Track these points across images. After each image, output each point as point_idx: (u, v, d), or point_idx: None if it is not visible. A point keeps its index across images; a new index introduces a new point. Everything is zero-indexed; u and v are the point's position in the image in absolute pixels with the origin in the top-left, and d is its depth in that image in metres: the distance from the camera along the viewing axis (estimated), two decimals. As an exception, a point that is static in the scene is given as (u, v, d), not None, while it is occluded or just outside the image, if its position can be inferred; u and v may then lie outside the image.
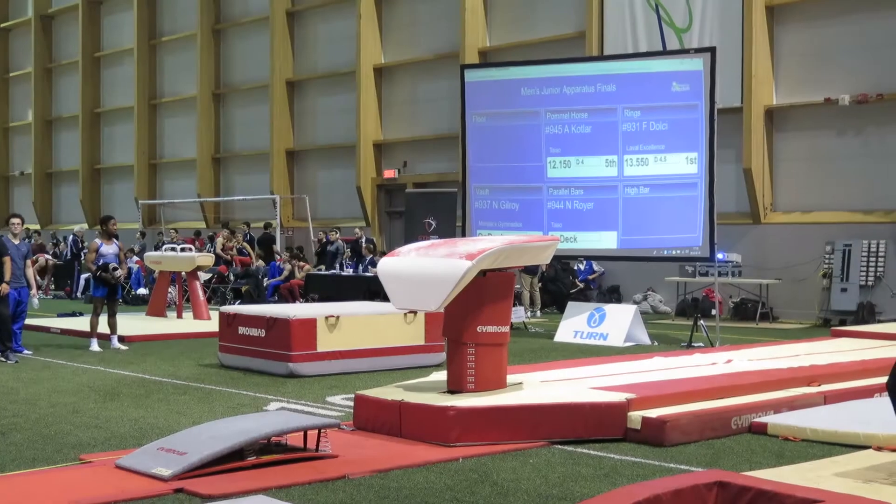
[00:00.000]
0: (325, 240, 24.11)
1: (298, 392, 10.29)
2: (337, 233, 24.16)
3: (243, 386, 10.73)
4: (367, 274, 20.14)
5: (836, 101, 19.05)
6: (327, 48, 28.87)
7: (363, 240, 22.91)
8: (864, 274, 18.06)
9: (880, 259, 18.02)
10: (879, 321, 17.22)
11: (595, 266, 21.53)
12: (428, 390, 8.34)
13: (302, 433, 7.24)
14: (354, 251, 23.10)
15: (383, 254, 20.86)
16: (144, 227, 31.94)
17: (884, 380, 7.15)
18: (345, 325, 11.76)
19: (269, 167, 29.71)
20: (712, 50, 15.56)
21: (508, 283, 8.54)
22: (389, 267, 8.50)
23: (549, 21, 23.45)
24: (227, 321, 12.34)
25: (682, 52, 18.08)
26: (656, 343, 15.09)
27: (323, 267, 23.01)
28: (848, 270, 18.24)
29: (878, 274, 17.97)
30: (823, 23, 19.50)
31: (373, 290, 18.20)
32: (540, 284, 20.83)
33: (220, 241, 24.87)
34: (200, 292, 18.68)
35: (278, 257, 23.65)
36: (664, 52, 19.38)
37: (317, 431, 7.26)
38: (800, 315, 19.07)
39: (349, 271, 21.77)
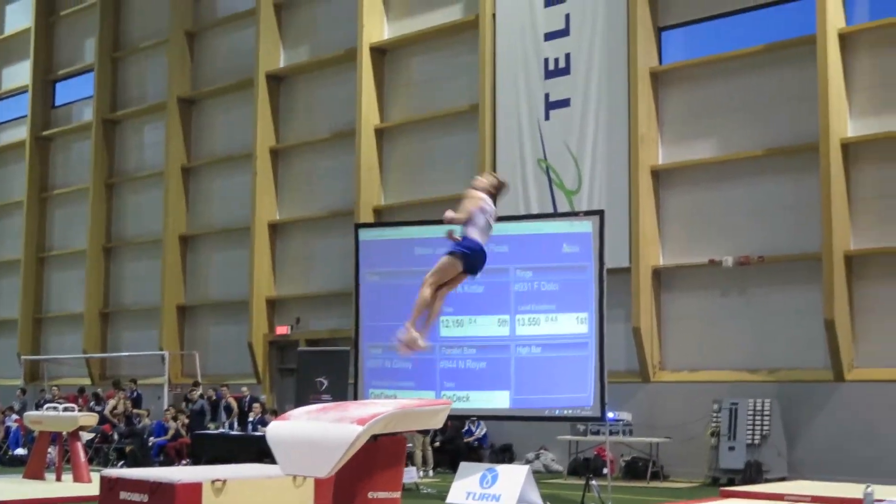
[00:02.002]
0: (215, 397, 23.61)
1: (182, 561, 9.90)
2: (197, 390, 23.52)
3: (123, 555, 10.29)
4: (257, 433, 19.72)
5: (719, 262, 19.66)
6: (222, 203, 28.92)
7: (247, 398, 22.50)
8: (750, 432, 18.32)
9: (766, 418, 18.34)
10: (766, 480, 17.43)
11: (481, 425, 21.40)
12: (316, 559, 8.11)
13: None
14: (241, 410, 22.62)
15: (274, 412, 20.59)
16: (26, 384, 30.95)
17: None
18: (232, 489, 11.44)
19: (160, 322, 29.26)
20: (601, 213, 16.01)
21: (400, 447, 8.44)
22: (279, 431, 8.34)
23: (443, 180, 23.86)
24: (109, 485, 11.90)
25: (572, 214, 18.54)
26: (549, 504, 15.00)
27: (212, 426, 22.48)
28: (735, 429, 18.50)
29: (763, 432, 18.26)
30: (707, 186, 20.24)
31: (263, 451, 17.77)
32: (438, 444, 20.70)
33: (111, 402, 24.21)
34: (82, 453, 18.06)
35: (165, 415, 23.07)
36: (555, 215, 19.85)
37: None
38: (690, 473, 19.20)
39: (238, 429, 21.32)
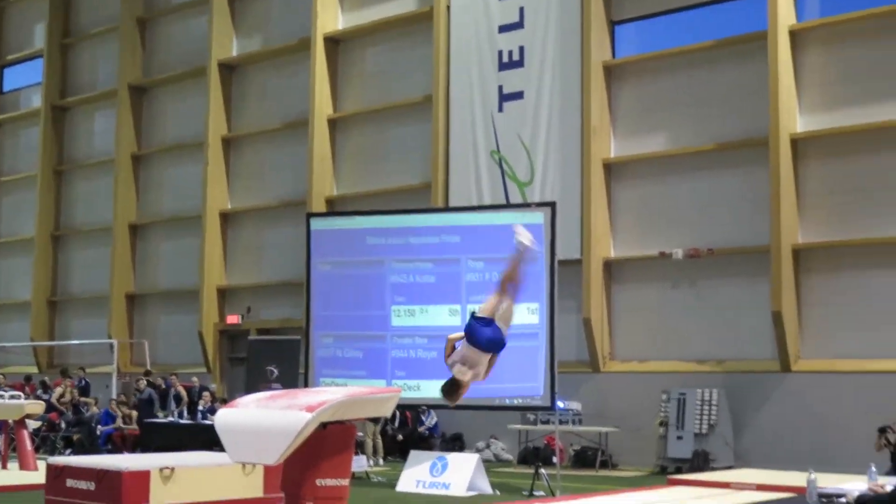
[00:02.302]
0: (164, 386, 23.41)
1: (129, 549, 9.83)
2: (143, 380, 23.17)
3: (70, 543, 10.19)
4: (207, 422, 19.58)
5: (669, 254, 19.81)
6: (173, 192, 28.70)
7: (197, 387, 22.35)
8: (698, 422, 18.52)
9: (713, 408, 18.53)
10: (713, 468, 17.62)
11: (431, 414, 21.42)
12: (264, 546, 8.09)
13: None
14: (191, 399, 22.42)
15: (224, 401, 20.46)
16: (-28, 372, 30.53)
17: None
18: (180, 476, 11.36)
19: (109, 311, 28.98)
20: (552, 204, 16.09)
21: (349, 435, 8.42)
22: (227, 418, 8.29)
23: (396, 171, 23.88)
24: (55, 473, 11.77)
25: (524, 205, 18.63)
26: (498, 492, 15.05)
27: (161, 415, 22.27)
28: (683, 419, 18.69)
29: (711, 422, 18.45)
30: (658, 180, 20.39)
31: (212, 439, 17.67)
32: (400, 437, 20.70)
33: (58, 390, 23.92)
34: (28, 441, 17.83)
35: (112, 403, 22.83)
36: (507, 206, 19.91)
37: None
38: (638, 462, 19.35)
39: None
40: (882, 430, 13.96)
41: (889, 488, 6.94)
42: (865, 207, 18.15)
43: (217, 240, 26.90)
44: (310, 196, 24.49)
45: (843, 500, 7.17)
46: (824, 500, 7.24)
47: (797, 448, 17.74)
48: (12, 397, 19.06)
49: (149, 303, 29.05)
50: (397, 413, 20.92)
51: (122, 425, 21.69)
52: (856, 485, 7.94)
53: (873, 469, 7.80)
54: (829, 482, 9.13)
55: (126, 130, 29.37)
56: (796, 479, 11.94)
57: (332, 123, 24.99)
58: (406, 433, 21.13)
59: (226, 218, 27.09)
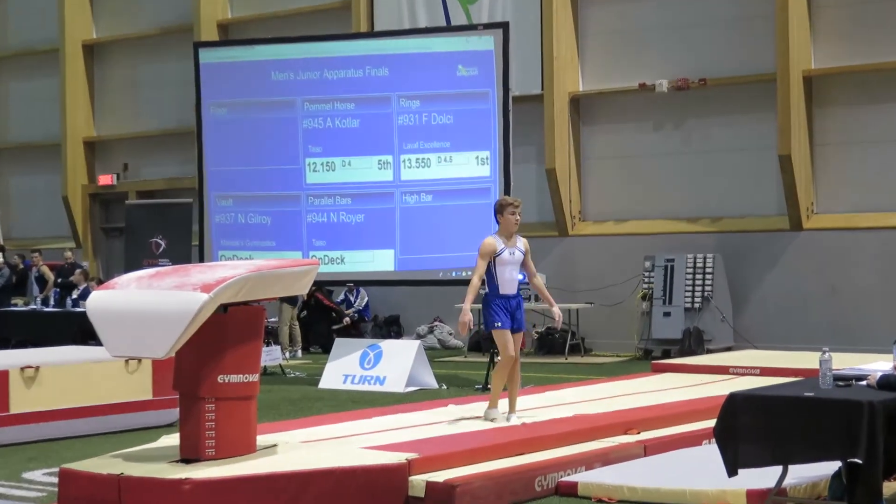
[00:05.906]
0: (22, 265, 23.33)
1: (-14, 467, 9.90)
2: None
3: (-89, 462, 10.24)
4: (79, 309, 19.58)
5: (652, 87, 19.84)
6: (22, 20, 28.10)
7: (69, 266, 22.29)
8: (689, 294, 18.82)
9: (707, 276, 18.83)
10: (708, 350, 18.01)
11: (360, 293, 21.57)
12: (156, 459, 8.16)
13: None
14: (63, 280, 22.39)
15: (99, 281, 20.43)
16: None
17: (712, 423, 7.46)
18: (47, 377, 11.39)
19: (-54, 173, 28.69)
20: (504, 26, 15.97)
21: (256, 319, 8.45)
22: (103, 303, 8.27)
23: (305, -13, 23.56)
24: None
25: (469, 28, 18.45)
26: (445, 387, 15.28)
27: (20, 301, 22.24)
28: (671, 291, 18.98)
29: (705, 294, 18.76)
30: (635, -5, 20.33)
31: (86, 330, 17.74)
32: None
33: None
34: None
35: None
36: (447, 29, 19.77)
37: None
38: (616, 346, 19.72)
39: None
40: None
41: (919, 367, 7.12)
42: (891, 24, 18.23)
43: (81, 79, 26.54)
44: (197, 21, 24.13)
45: (863, 383, 7.32)
46: (841, 383, 7.41)
47: (809, 323, 18.16)
48: None
49: (-2, 161, 28.79)
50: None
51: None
52: (879, 365, 8.10)
53: (901, 345, 7.97)
54: (846, 362, 9.29)
55: (-43, -60, 28.61)
56: (807, 360, 12.20)
57: (223, -73, 24.52)
58: (327, 317, 21.24)
59: (91, 51, 26.70)
